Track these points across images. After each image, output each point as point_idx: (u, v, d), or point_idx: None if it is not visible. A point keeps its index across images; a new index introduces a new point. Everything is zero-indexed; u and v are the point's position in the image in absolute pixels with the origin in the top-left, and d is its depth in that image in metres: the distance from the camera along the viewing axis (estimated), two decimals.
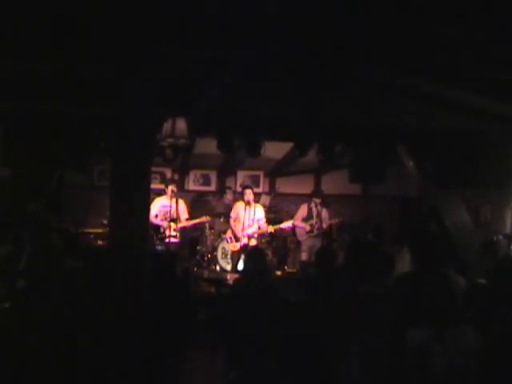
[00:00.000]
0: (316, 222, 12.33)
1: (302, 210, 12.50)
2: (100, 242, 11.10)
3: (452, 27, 6.18)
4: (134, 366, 4.73)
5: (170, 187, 11.47)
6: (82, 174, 11.62)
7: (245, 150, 10.31)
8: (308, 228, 12.31)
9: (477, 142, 9.28)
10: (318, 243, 12.15)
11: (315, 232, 12.31)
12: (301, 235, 12.50)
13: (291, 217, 12.65)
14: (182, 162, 13.23)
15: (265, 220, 12.25)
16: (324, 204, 12.63)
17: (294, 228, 12.63)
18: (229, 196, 13.05)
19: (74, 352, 4.88)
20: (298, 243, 12.69)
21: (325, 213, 12.54)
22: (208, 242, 12.51)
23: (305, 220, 12.38)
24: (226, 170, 14.20)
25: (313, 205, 12.43)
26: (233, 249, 12.02)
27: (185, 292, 6.33)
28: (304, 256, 12.27)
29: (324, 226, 12.39)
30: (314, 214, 12.41)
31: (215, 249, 12.29)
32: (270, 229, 12.19)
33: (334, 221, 12.63)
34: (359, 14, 6.12)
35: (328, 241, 12.37)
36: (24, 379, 4.87)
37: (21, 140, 8.74)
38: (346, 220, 13.15)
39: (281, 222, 12.41)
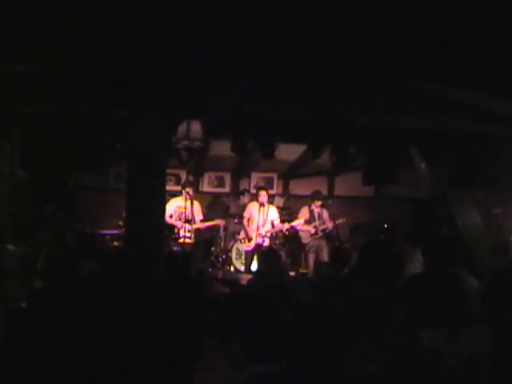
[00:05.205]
0: (319, 224, 12.38)
1: (304, 213, 12.52)
2: (116, 243, 11.18)
3: (463, 29, 6.24)
4: (148, 366, 4.78)
5: (187, 189, 11.55)
6: (98, 176, 11.71)
7: (259, 152, 10.38)
8: (313, 230, 12.33)
9: (489, 143, 9.29)
10: (324, 245, 12.20)
11: (319, 234, 12.36)
12: (305, 237, 12.50)
13: None
14: (197, 164, 13.29)
15: (279, 220, 12.34)
16: (325, 206, 12.67)
17: (297, 231, 12.69)
18: (246, 199, 13.10)
19: (89, 352, 4.93)
20: (303, 246, 12.72)
21: (326, 214, 12.57)
22: (222, 243, 12.57)
23: (307, 222, 12.41)
24: (240, 172, 14.25)
25: (314, 207, 12.47)
26: (246, 248, 12.09)
27: (200, 292, 6.39)
28: (312, 258, 12.29)
29: (329, 226, 12.45)
30: (316, 215, 12.44)
31: (229, 249, 12.36)
32: (287, 226, 12.28)
33: (339, 221, 12.65)
34: (372, 16, 6.18)
35: (335, 242, 12.38)
36: (40, 380, 4.92)
37: (38, 142, 8.82)
38: (354, 220, 13.18)
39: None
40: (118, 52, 7.06)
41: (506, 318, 5.28)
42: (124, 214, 8.78)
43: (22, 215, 9.46)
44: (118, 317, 5.23)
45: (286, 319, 4.71)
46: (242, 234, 12.37)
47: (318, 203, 12.42)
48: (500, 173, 9.61)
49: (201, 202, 12.37)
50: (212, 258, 12.57)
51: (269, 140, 9.84)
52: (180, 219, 11.60)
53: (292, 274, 11.89)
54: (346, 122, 8.76)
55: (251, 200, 12.73)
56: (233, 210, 13.40)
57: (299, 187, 14.24)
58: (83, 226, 10.89)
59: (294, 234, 12.93)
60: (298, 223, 12.36)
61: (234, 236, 12.65)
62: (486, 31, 6.20)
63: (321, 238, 12.35)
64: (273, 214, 12.26)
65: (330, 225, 12.41)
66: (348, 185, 14.06)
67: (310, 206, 12.49)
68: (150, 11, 6.32)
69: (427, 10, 5.93)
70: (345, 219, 12.78)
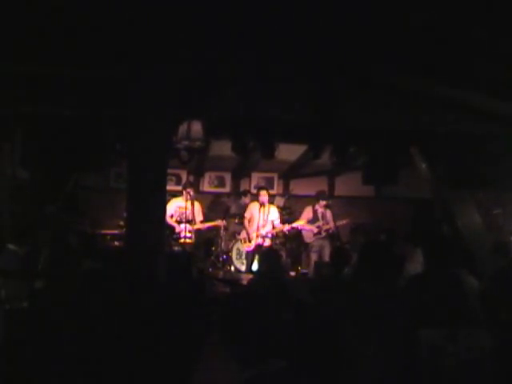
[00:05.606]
0: (323, 224, 12.36)
1: (307, 213, 12.49)
2: (116, 243, 11.18)
3: (466, 29, 6.25)
4: (148, 366, 4.78)
5: (188, 190, 11.57)
6: (99, 176, 11.72)
7: (259, 152, 10.38)
8: (315, 230, 12.32)
9: (489, 144, 9.29)
10: (326, 245, 12.18)
11: (323, 234, 12.35)
12: (308, 237, 12.48)
13: None
14: (198, 164, 13.28)
15: (279, 220, 12.35)
16: (328, 206, 12.65)
17: (300, 231, 12.67)
18: (247, 199, 13.11)
19: (89, 351, 4.93)
20: (306, 245, 12.72)
21: (329, 214, 12.53)
22: (223, 243, 12.57)
23: (311, 222, 12.38)
24: (240, 172, 14.25)
25: (317, 207, 12.45)
26: (246, 248, 12.10)
27: (200, 292, 6.39)
28: (314, 257, 12.26)
29: (332, 227, 12.43)
30: (320, 215, 12.41)
31: (230, 249, 12.36)
32: (287, 227, 12.29)
33: (342, 222, 12.64)
34: (372, 16, 6.19)
35: (336, 242, 12.36)
36: (40, 379, 4.93)
37: (38, 142, 8.83)
38: (356, 221, 13.18)
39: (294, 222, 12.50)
40: (118, 52, 7.07)
41: (505, 318, 5.29)
42: (124, 214, 8.79)
43: (23, 215, 9.46)
44: (118, 316, 5.24)
45: (286, 319, 4.72)
46: (243, 234, 12.38)
47: (323, 203, 12.37)
48: (500, 173, 9.62)
49: (201, 202, 12.38)
50: (212, 258, 12.57)
51: (269, 140, 9.83)
52: (181, 219, 11.61)
53: (292, 273, 11.89)
54: (347, 122, 8.75)
55: (252, 200, 12.74)
56: (233, 210, 13.41)
57: (300, 187, 14.25)
58: (84, 226, 10.89)
59: (296, 233, 12.96)
60: (299, 224, 12.36)
61: (234, 236, 12.66)
62: (487, 31, 6.20)
63: (324, 238, 12.33)
64: (273, 214, 12.28)
65: (333, 225, 12.39)
66: (348, 185, 14.06)
67: (313, 206, 12.46)
68: (149, 11, 6.32)
69: (427, 9, 5.93)
70: (348, 220, 12.77)
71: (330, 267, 7.55)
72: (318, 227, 12.29)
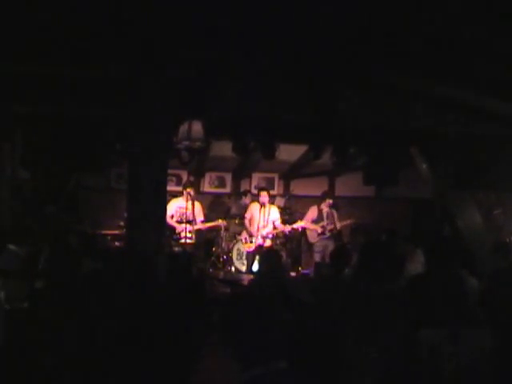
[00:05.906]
0: (327, 224, 12.33)
1: (312, 212, 12.45)
2: (117, 244, 11.17)
3: (469, 29, 6.24)
4: (148, 366, 4.78)
5: (188, 190, 11.56)
6: (99, 176, 11.71)
7: (260, 152, 10.38)
8: (320, 230, 12.30)
9: (489, 144, 9.29)
10: (330, 245, 12.14)
11: (327, 234, 12.33)
12: (312, 237, 12.44)
13: None
14: (198, 165, 13.25)
15: (280, 221, 12.32)
16: (335, 206, 12.63)
17: (304, 230, 12.66)
18: (248, 200, 13.10)
19: (89, 351, 4.93)
20: (310, 245, 12.70)
21: (335, 214, 12.50)
22: (223, 244, 12.56)
23: (315, 222, 12.36)
24: (241, 173, 14.24)
25: (323, 206, 12.43)
26: (247, 249, 12.09)
27: (200, 293, 6.39)
28: (317, 257, 12.23)
29: (337, 227, 12.40)
30: (325, 215, 12.38)
31: (230, 250, 12.34)
32: (288, 228, 12.26)
33: (346, 222, 12.62)
34: (373, 17, 6.19)
35: (338, 242, 12.34)
36: (40, 379, 4.93)
37: (39, 142, 8.83)
38: (359, 222, 13.16)
39: (295, 223, 12.46)
40: (118, 52, 7.07)
41: (505, 318, 5.29)
42: (125, 215, 8.79)
43: (23, 215, 9.46)
44: (118, 317, 5.24)
45: (286, 319, 4.72)
46: (243, 235, 12.37)
47: (329, 202, 12.35)
48: (500, 173, 9.63)
49: (202, 203, 12.36)
50: (213, 258, 12.56)
51: (270, 140, 9.83)
52: (181, 220, 11.60)
53: (292, 273, 11.88)
54: (347, 122, 8.75)
55: (252, 201, 12.73)
56: (234, 210, 13.40)
57: (300, 188, 14.23)
58: (84, 226, 10.88)
59: (300, 233, 12.97)
60: (299, 225, 12.33)
61: (235, 237, 12.64)
62: (487, 31, 6.20)
63: (328, 238, 12.30)
64: (274, 214, 12.25)
65: (338, 225, 12.38)
66: (349, 185, 14.04)
67: (319, 206, 12.44)
68: (149, 11, 6.32)
69: (428, 10, 5.93)
70: (353, 220, 12.76)
71: (331, 267, 7.55)
72: (323, 227, 12.27)
